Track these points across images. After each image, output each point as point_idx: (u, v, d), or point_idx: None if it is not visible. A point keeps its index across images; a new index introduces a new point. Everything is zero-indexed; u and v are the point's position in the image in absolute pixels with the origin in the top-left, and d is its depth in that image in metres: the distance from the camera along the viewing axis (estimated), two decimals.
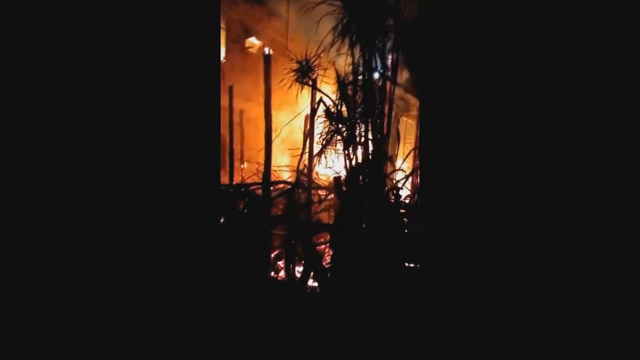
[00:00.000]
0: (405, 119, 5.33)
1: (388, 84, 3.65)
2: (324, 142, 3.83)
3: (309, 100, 5.68)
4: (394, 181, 3.87)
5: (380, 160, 3.70)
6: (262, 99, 5.08)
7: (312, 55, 4.05)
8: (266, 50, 5.21)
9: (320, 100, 3.81)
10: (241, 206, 4.83)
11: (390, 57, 3.65)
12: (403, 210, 3.69)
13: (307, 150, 5.49)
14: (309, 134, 5.33)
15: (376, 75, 3.61)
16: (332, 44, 3.77)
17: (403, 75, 3.78)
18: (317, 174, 4.99)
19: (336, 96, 3.73)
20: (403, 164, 4.14)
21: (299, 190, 4.76)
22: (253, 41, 11.20)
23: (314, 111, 5.12)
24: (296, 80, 3.92)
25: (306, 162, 5.40)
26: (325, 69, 4.29)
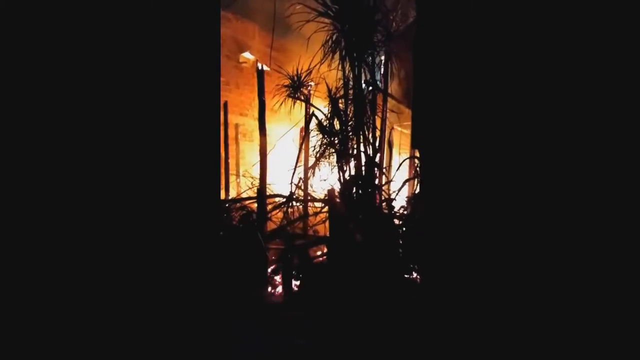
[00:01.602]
0: (399, 129, 5.39)
1: (379, 96, 3.71)
2: (318, 155, 3.86)
3: (302, 114, 5.75)
4: (388, 192, 3.89)
5: (373, 171, 3.74)
6: (256, 113, 5.13)
7: (302, 71, 4.12)
8: (259, 65, 5.28)
9: (312, 114, 3.86)
10: (236, 221, 4.84)
11: (380, 69, 3.71)
12: (398, 221, 3.71)
13: (301, 163, 5.54)
14: (303, 147, 5.37)
15: (367, 88, 3.67)
16: (322, 60, 3.85)
17: (394, 87, 3.84)
18: (311, 186, 5.01)
19: (328, 110, 3.78)
20: (396, 174, 4.18)
21: (295, 204, 4.78)
22: (247, 56, 11.31)
23: (307, 126, 5.17)
24: (288, 95, 3.97)
25: (301, 175, 5.44)
26: (317, 84, 4.37)
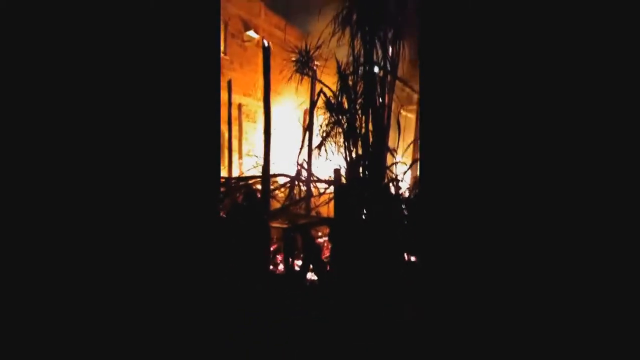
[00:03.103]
0: (404, 112, 5.30)
1: (389, 75, 3.62)
2: (324, 134, 3.79)
3: (307, 94, 5.65)
4: (395, 173, 3.84)
5: (381, 152, 3.67)
6: (260, 93, 5.05)
7: (311, 46, 4.01)
8: (265, 42, 5.17)
9: (321, 91, 3.78)
10: (240, 199, 4.81)
11: (391, 48, 3.61)
12: (403, 202, 3.67)
13: (306, 143, 5.47)
14: (308, 128, 5.30)
15: (377, 68, 3.58)
16: (332, 35, 3.74)
17: (404, 68, 3.75)
18: (317, 167, 4.97)
19: (337, 87, 3.69)
20: (403, 157, 4.12)
21: (299, 183, 4.74)
22: (251, 35, 11.14)
23: (313, 104, 5.08)
24: (296, 71, 3.87)
25: (305, 155, 5.38)
26: (325, 60, 4.26)
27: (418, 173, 3.69)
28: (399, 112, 3.82)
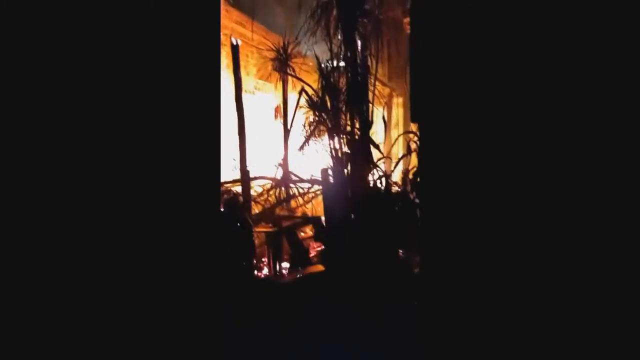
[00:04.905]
0: (394, 105, 5.29)
1: (372, 69, 3.57)
2: (308, 134, 3.69)
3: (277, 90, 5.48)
4: (383, 169, 3.81)
5: (367, 148, 3.63)
6: (229, 91, 4.85)
7: (288, 43, 3.89)
8: (234, 40, 4.97)
9: (302, 90, 3.67)
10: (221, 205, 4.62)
11: (372, 43, 3.56)
12: (394, 198, 3.66)
13: (282, 142, 5.33)
14: (284, 125, 5.16)
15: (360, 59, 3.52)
16: (308, 30, 3.64)
17: (385, 63, 3.71)
18: (297, 166, 4.86)
19: (318, 85, 3.60)
20: (391, 151, 4.10)
21: (281, 185, 4.62)
22: None
23: (285, 101, 4.95)
24: (274, 69, 3.74)
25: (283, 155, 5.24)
26: (297, 57, 4.15)
27: (409, 167, 3.69)
28: (384, 106, 3.78)
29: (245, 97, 5.61)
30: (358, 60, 3.46)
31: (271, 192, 4.79)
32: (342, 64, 3.52)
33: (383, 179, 3.71)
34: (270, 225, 4.62)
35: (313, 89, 3.66)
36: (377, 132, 3.71)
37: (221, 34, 8.69)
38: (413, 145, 3.58)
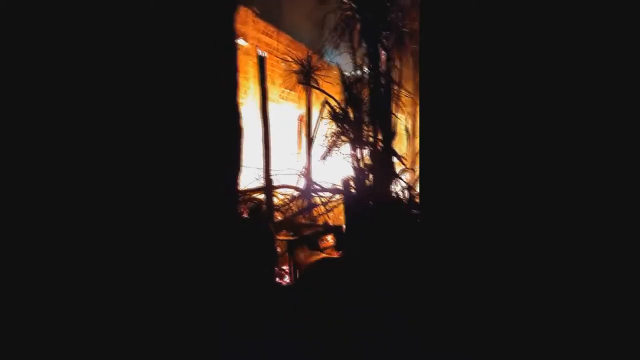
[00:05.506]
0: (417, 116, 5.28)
1: (394, 80, 3.58)
2: (330, 145, 3.73)
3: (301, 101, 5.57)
4: (405, 180, 3.80)
5: (389, 159, 3.63)
6: (250, 102, 4.96)
7: (311, 55, 3.96)
8: (259, 52, 5.10)
9: (325, 102, 3.71)
10: (244, 213, 4.70)
11: (395, 55, 3.58)
12: (415, 209, 3.63)
13: (305, 152, 5.40)
14: (307, 135, 5.23)
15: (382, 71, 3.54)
16: (329, 42, 3.70)
17: (407, 74, 3.72)
18: (320, 175, 4.89)
19: (341, 97, 3.64)
20: (415, 161, 4.08)
21: (305, 194, 4.66)
22: (241, 43, 11.01)
23: (309, 111, 5.01)
24: (298, 82, 3.81)
25: (307, 164, 5.30)
26: (321, 69, 4.21)
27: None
28: (406, 118, 3.78)
29: (270, 106, 5.73)
30: (381, 72, 3.49)
31: (293, 202, 4.84)
32: (365, 75, 3.55)
33: (406, 191, 3.70)
34: (291, 233, 4.66)
35: (336, 100, 3.70)
36: (400, 143, 3.70)
37: (248, 44, 8.93)
38: None
